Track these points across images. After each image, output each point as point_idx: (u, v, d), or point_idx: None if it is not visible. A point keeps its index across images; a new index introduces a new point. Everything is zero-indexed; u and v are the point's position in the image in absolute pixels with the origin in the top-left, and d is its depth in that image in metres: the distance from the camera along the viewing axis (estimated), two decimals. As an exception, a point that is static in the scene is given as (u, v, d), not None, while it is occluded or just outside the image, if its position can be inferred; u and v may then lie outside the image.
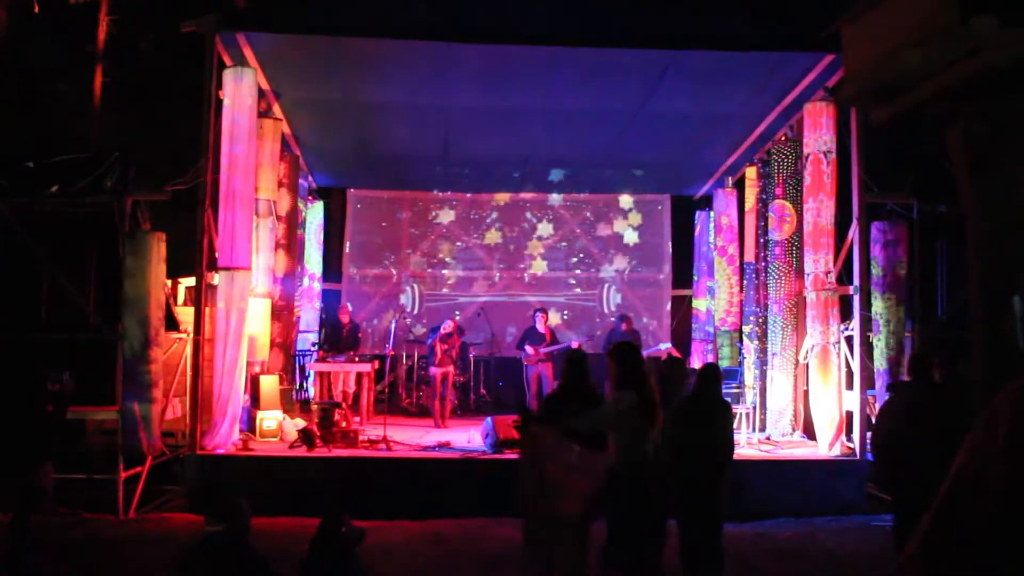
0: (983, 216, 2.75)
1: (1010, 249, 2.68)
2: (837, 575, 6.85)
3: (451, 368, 12.23)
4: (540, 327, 12.30)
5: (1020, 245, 2.66)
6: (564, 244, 15.91)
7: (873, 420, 9.99)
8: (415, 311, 15.40)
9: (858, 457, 9.52)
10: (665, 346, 12.84)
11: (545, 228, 15.87)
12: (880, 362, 10.22)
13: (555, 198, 15.87)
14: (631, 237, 15.96)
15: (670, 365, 7.17)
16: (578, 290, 15.85)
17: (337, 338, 12.45)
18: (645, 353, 12.31)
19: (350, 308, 13.28)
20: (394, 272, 15.72)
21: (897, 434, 5.80)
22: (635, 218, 15.99)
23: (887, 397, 6.84)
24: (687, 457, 6.01)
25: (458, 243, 15.81)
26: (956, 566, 1.55)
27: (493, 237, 15.81)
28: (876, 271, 10.15)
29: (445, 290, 15.75)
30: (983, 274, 2.73)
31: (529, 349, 12.14)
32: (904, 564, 1.76)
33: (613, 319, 13.44)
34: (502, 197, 15.79)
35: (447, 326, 12.26)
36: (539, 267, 15.80)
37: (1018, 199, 2.63)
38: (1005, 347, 1.96)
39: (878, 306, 10.18)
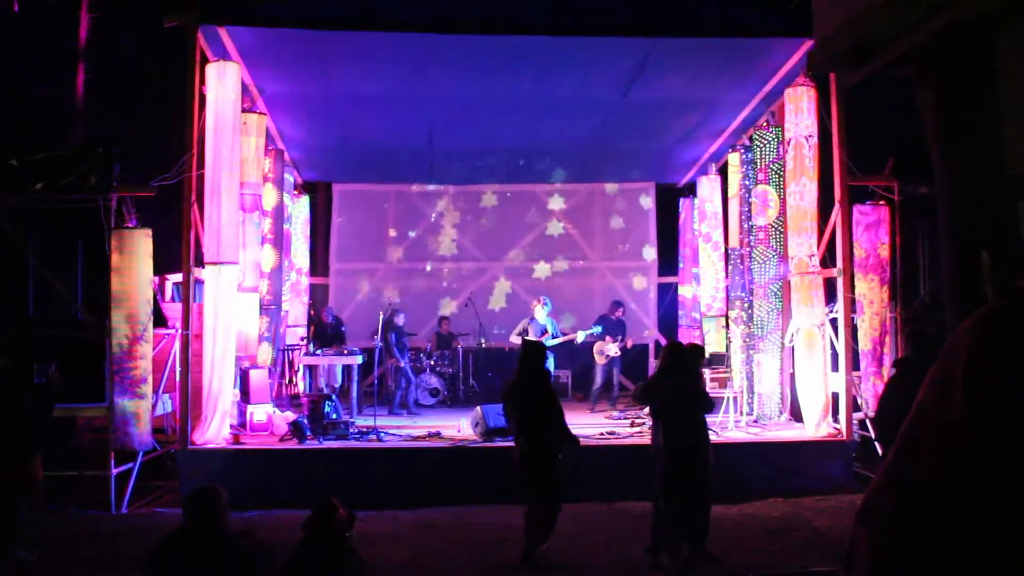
0: (952, 173, 2.82)
1: (978, 205, 2.74)
2: (824, 550, 6.93)
3: None
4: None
5: (987, 201, 2.73)
6: (550, 233, 15.94)
7: (858, 400, 10.14)
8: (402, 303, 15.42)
9: (845, 438, 9.61)
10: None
11: (531, 218, 15.90)
12: (864, 343, 10.31)
13: (540, 188, 15.91)
14: (616, 225, 16.02)
15: (690, 351, 7.24)
16: (564, 279, 15.91)
17: (322, 335, 12.75)
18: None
19: (331, 308, 13.92)
20: (380, 265, 15.74)
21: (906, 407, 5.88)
22: (620, 206, 16.04)
23: (893, 372, 6.94)
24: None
25: (444, 235, 15.83)
26: (919, 498, 1.61)
27: (478, 228, 15.84)
28: (859, 253, 10.23)
29: (431, 281, 15.78)
30: (953, 230, 2.80)
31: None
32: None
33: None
34: (486, 189, 15.81)
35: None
36: (522, 257, 15.84)
37: (985, 157, 2.70)
38: (976, 300, 2.02)
39: (861, 288, 10.27)
